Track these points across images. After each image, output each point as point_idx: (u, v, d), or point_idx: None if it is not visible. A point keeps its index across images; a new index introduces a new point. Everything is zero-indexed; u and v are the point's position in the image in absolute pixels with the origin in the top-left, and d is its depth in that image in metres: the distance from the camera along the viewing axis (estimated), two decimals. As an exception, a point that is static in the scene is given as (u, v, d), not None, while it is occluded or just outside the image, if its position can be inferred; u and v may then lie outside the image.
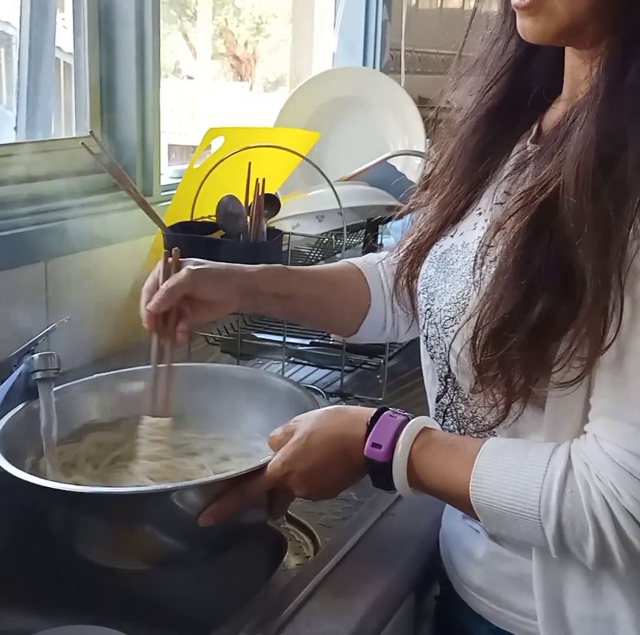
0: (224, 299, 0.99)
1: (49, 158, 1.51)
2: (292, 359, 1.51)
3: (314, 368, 1.51)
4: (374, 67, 2.42)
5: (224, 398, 1.06)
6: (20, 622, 1.03)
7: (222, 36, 3.40)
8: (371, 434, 0.83)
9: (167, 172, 1.83)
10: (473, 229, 0.89)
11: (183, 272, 0.96)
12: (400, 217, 1.63)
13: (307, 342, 1.54)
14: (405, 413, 0.85)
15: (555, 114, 0.86)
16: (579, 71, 0.81)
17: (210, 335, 1.57)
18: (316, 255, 1.59)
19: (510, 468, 0.77)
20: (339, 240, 1.52)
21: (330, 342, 1.55)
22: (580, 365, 0.74)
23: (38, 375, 0.99)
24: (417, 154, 1.73)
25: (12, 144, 1.54)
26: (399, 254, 0.99)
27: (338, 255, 1.61)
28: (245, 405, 1.06)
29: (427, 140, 1.92)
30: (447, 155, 0.94)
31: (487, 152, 0.90)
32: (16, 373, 1.04)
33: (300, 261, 1.61)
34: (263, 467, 0.86)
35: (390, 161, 1.71)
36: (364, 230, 1.60)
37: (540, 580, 0.82)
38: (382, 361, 1.46)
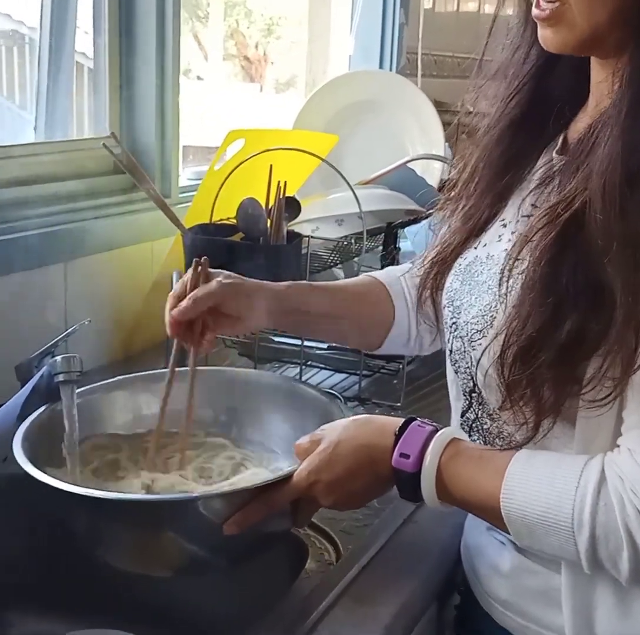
0: (250, 316, 0.98)
1: (69, 158, 1.51)
2: (309, 362, 1.50)
3: (332, 372, 1.51)
4: (390, 70, 2.42)
5: (249, 404, 1.06)
6: (41, 626, 1.03)
7: (233, 37, 3.40)
8: (399, 444, 0.82)
9: (184, 174, 1.82)
10: (497, 240, 0.88)
11: (214, 283, 0.96)
12: (418, 221, 1.64)
13: (325, 345, 1.53)
14: (434, 423, 0.84)
15: (580, 124, 0.85)
16: (603, 81, 0.81)
17: (228, 337, 1.56)
18: (334, 258, 1.59)
19: (542, 479, 0.76)
20: (357, 244, 1.52)
21: (348, 346, 1.54)
22: (611, 384, 0.73)
23: (61, 377, 0.99)
24: (437, 158, 1.72)
25: (33, 144, 1.54)
26: (423, 266, 0.98)
27: (356, 259, 1.60)
28: (271, 412, 1.05)
29: (447, 144, 1.92)
30: (471, 166, 0.93)
31: (512, 163, 0.89)
32: (38, 375, 1.03)
33: (316, 264, 1.61)
34: (289, 476, 0.85)
35: (409, 165, 1.70)
36: (383, 234, 1.59)
37: (569, 596, 0.81)
38: (400, 366, 1.45)
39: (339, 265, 1.67)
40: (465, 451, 0.82)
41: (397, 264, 1.63)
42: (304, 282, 1.07)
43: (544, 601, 0.84)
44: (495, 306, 0.82)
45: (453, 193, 0.96)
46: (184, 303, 0.94)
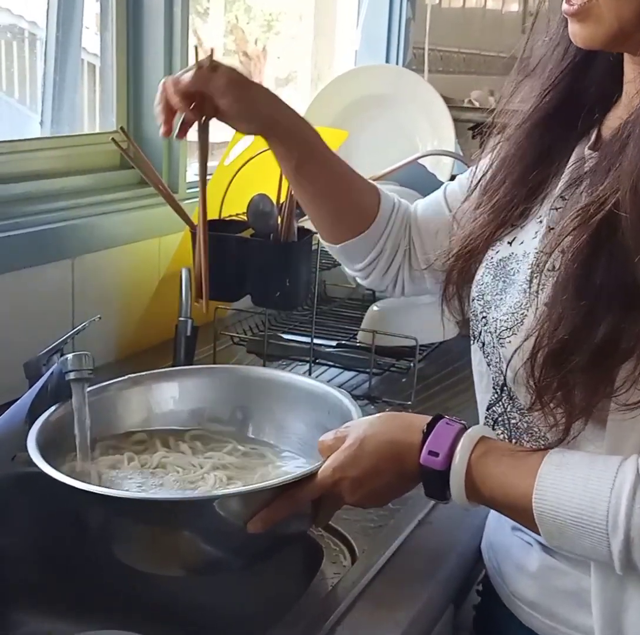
0: (239, 108, 1.00)
1: (76, 153, 1.49)
2: (318, 360, 1.49)
3: (341, 370, 1.49)
4: (396, 65, 2.40)
5: (267, 404, 1.04)
6: (50, 626, 1.02)
7: (233, 33, 3.38)
8: (428, 441, 0.81)
9: (191, 169, 1.81)
10: (533, 237, 0.86)
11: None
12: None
13: (334, 343, 1.52)
14: (461, 421, 0.83)
15: (614, 120, 0.84)
16: (632, 80, 0.80)
17: (236, 335, 1.55)
18: (344, 255, 1.57)
19: (577, 480, 0.74)
20: (367, 241, 1.50)
21: (358, 344, 1.53)
22: None
23: (72, 375, 0.98)
24: (449, 154, 1.70)
25: (39, 138, 1.52)
26: (448, 259, 0.96)
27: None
28: (287, 411, 1.04)
29: (456, 141, 1.90)
30: (500, 160, 0.92)
31: (544, 156, 0.88)
32: (48, 373, 1.02)
33: (326, 261, 1.59)
34: (314, 473, 0.84)
35: (420, 161, 1.68)
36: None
37: (599, 597, 0.80)
38: (411, 364, 1.44)
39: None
40: (496, 450, 0.80)
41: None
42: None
43: (574, 602, 0.83)
44: (526, 304, 0.81)
45: (478, 186, 0.94)
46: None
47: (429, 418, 0.83)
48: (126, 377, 1.05)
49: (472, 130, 2.56)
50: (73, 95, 1.61)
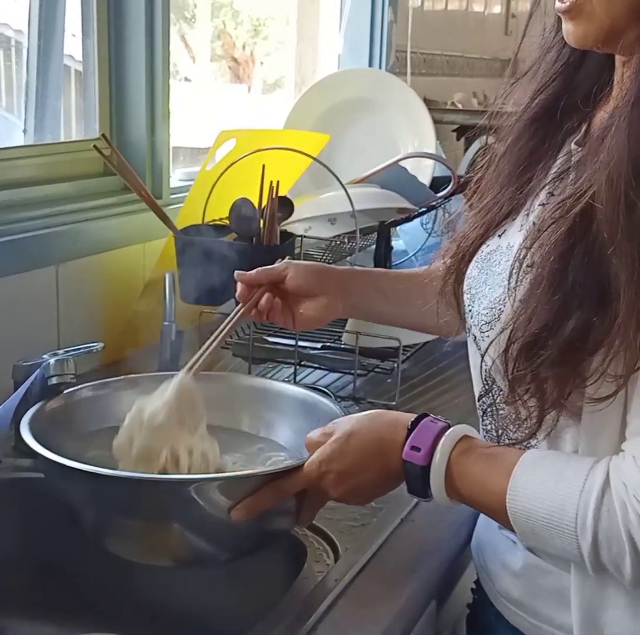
0: (318, 290, 1.03)
1: (59, 161, 1.50)
2: (303, 362, 1.49)
3: (326, 372, 1.50)
4: (379, 69, 2.41)
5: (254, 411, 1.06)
6: (34, 630, 1.02)
7: (220, 38, 3.38)
8: (411, 437, 0.82)
9: (175, 175, 1.82)
10: (519, 230, 0.87)
11: (278, 264, 1.04)
12: (411, 219, 1.63)
13: (319, 345, 1.53)
14: (446, 420, 0.84)
15: (601, 118, 0.85)
16: (620, 80, 0.81)
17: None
18: (328, 258, 1.59)
19: (548, 481, 0.75)
20: (350, 243, 1.51)
21: (342, 346, 1.54)
22: (614, 380, 0.72)
23: (54, 380, 0.99)
24: (429, 156, 1.72)
25: (22, 146, 1.53)
26: (445, 261, 0.97)
27: (349, 258, 1.60)
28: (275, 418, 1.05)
29: (437, 142, 1.91)
30: (490, 161, 0.93)
31: (533, 155, 0.89)
32: (31, 377, 1.03)
33: (310, 264, 1.60)
34: (300, 465, 0.86)
35: (401, 163, 1.70)
36: (376, 233, 1.59)
37: (578, 595, 0.80)
38: (394, 365, 1.45)
39: (332, 265, 1.67)
40: (476, 448, 0.81)
41: (391, 262, 1.63)
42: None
43: (557, 601, 0.83)
44: (504, 299, 0.82)
45: (476, 188, 0.96)
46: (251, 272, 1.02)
47: (414, 416, 0.84)
48: (122, 377, 1.06)
49: (456, 132, 2.58)
50: (56, 103, 1.61)
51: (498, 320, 0.82)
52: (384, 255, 1.55)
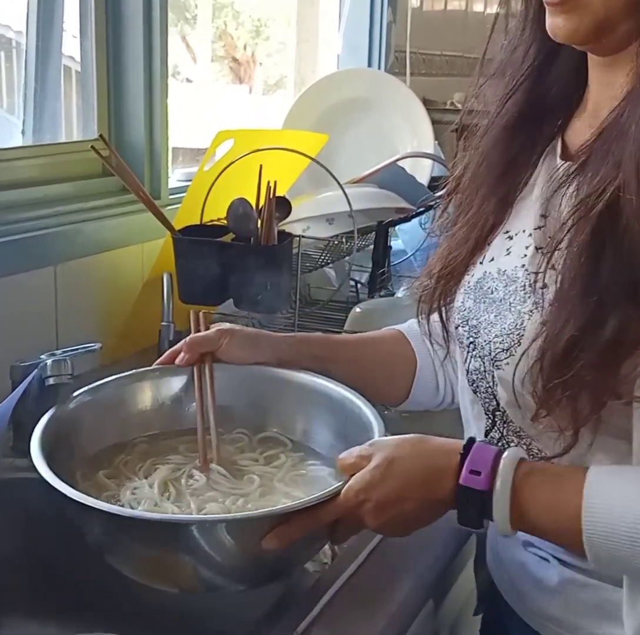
0: (251, 360, 0.99)
1: (57, 161, 1.50)
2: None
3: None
4: (378, 69, 2.42)
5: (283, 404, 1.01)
6: (34, 630, 1.02)
7: (222, 39, 3.38)
8: (468, 461, 0.76)
9: (173, 176, 1.82)
10: (506, 254, 0.85)
11: (211, 331, 0.99)
12: (409, 219, 1.63)
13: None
14: (497, 445, 0.80)
15: (579, 126, 0.84)
16: (604, 81, 0.80)
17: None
18: (326, 258, 1.58)
19: (625, 497, 0.71)
20: (348, 243, 1.51)
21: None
22: None
23: (51, 381, 0.99)
24: (427, 155, 1.72)
25: (21, 147, 1.53)
26: (428, 281, 0.93)
27: (347, 258, 1.60)
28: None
29: (436, 142, 1.91)
30: (472, 171, 0.90)
31: (512, 166, 0.87)
32: (29, 378, 1.03)
33: (308, 264, 1.60)
34: (336, 493, 0.79)
35: (399, 163, 1.70)
36: (374, 233, 1.59)
37: (631, 614, 0.76)
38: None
39: (330, 265, 1.67)
40: (539, 470, 0.77)
41: (389, 262, 1.63)
42: (317, 333, 1.08)
43: (597, 614, 0.81)
44: (522, 323, 0.79)
45: (454, 198, 0.93)
46: (180, 344, 1.00)
47: (460, 441, 0.79)
48: (132, 372, 1.04)
49: (456, 132, 2.57)
50: (55, 104, 1.61)
51: (518, 345, 0.79)
52: (382, 255, 1.55)
